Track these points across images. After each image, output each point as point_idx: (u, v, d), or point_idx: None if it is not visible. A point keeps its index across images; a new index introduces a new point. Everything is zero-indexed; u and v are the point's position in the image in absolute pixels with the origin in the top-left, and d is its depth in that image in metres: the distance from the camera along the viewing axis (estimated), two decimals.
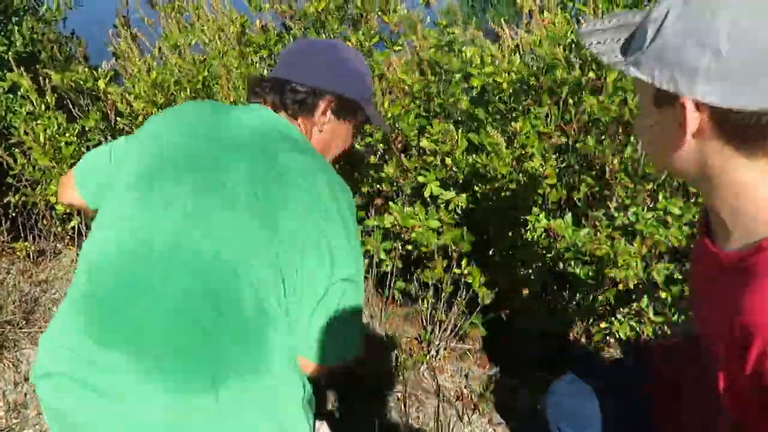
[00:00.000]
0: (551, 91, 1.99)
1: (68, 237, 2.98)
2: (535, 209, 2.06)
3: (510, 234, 2.19)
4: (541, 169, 1.96)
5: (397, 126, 1.94)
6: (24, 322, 2.40)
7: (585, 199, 2.15)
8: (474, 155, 1.98)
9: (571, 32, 2.17)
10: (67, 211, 2.79)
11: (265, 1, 2.13)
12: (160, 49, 2.29)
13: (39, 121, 2.47)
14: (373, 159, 2.09)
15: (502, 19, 2.41)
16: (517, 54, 2.04)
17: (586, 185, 2.13)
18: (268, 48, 2.14)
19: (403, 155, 2.00)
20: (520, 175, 2.01)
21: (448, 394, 2.20)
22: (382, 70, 2.14)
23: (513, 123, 1.90)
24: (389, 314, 2.53)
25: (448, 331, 2.31)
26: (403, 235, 2.01)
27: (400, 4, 2.28)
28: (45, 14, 3.14)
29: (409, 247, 2.13)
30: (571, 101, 2.03)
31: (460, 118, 2.11)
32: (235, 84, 2.05)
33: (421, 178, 2.05)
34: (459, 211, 2.09)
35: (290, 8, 1.90)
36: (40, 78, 2.61)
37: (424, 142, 1.89)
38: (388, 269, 2.33)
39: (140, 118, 2.23)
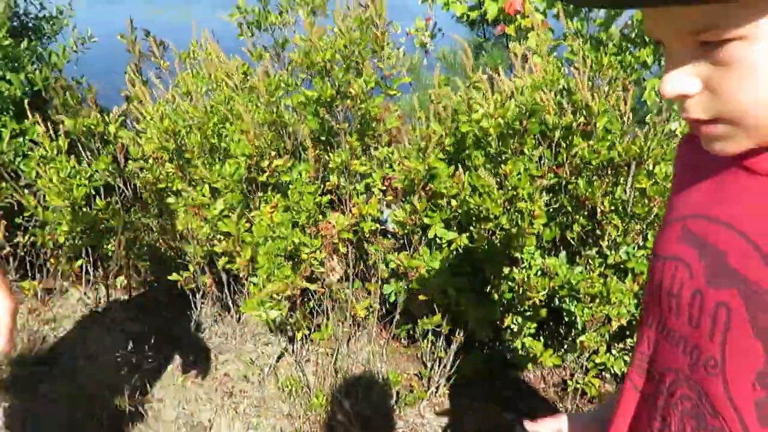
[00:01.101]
0: (543, 135, 2.10)
1: (75, 276, 3.04)
2: (529, 248, 2.14)
3: (506, 272, 2.26)
4: (531, 209, 2.04)
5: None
6: (34, 359, 2.45)
7: (578, 238, 2.23)
8: (467, 196, 2.06)
9: (563, 78, 2.29)
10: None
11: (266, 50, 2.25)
12: (173, 95, 2.40)
13: (51, 165, 2.56)
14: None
15: (498, 65, 2.54)
16: (512, 99, 2.15)
17: (578, 225, 2.21)
18: (271, 93, 2.25)
19: (415, 197, 2.09)
20: (513, 215, 2.09)
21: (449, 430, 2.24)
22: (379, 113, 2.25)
23: (503, 165, 1.99)
24: (391, 352, 2.58)
25: (448, 368, 2.36)
26: (408, 276, 2.09)
27: (394, 51, 2.40)
28: (51, 59, 3.27)
29: (415, 285, 2.20)
30: (563, 144, 2.13)
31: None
32: (244, 128, 2.15)
33: (427, 220, 2.14)
34: (460, 251, 2.16)
35: (304, 58, 2.01)
36: (50, 123, 2.72)
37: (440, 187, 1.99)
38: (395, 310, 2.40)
39: (150, 161, 2.33)
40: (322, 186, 2.36)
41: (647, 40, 3.17)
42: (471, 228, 2.14)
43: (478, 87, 2.29)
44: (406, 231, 2.34)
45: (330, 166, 2.31)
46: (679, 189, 0.69)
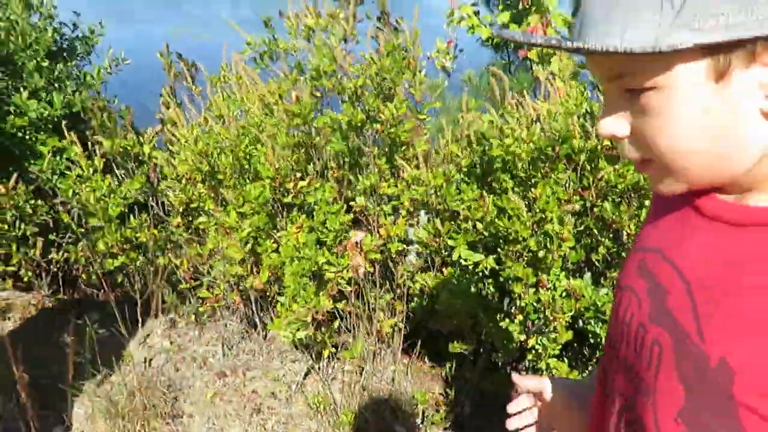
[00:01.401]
0: (569, 158, 2.12)
1: (106, 292, 3.11)
2: (555, 270, 2.16)
3: (531, 293, 2.28)
4: (559, 232, 2.07)
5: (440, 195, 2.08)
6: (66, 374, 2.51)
7: (603, 260, 2.25)
8: (496, 219, 2.10)
9: (586, 102, 2.32)
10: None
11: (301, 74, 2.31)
12: (205, 118, 2.47)
13: (87, 184, 2.64)
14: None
15: (524, 89, 2.58)
16: (538, 123, 2.18)
17: (604, 247, 2.23)
18: (302, 117, 2.31)
19: (437, 219, 2.12)
20: (541, 237, 2.12)
21: None
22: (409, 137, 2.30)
23: (533, 189, 2.03)
24: (416, 371, 2.60)
25: (473, 388, 2.38)
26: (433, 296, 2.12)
27: (420, 74, 2.45)
28: (86, 80, 3.37)
29: (440, 305, 2.23)
30: (588, 168, 2.16)
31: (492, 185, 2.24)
32: (267, 151, 2.20)
33: (451, 242, 2.17)
34: (486, 272, 2.19)
35: (336, 84, 2.06)
36: (89, 143, 2.81)
37: (457, 207, 2.02)
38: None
39: (183, 181, 2.39)
40: (345, 205, 2.40)
41: None
42: (498, 250, 2.17)
43: (510, 112, 2.33)
44: (429, 251, 2.38)
45: (357, 187, 2.35)
46: (648, 220, 0.71)
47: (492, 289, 2.39)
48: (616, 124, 0.57)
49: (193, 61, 3.50)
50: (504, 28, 3.41)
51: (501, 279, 2.33)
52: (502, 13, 4.20)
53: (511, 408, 0.91)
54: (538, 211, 2.08)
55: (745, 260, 0.53)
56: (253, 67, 2.63)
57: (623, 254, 2.21)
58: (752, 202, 0.55)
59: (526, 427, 0.91)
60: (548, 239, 2.09)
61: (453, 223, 2.24)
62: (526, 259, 2.22)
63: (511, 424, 0.91)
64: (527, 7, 4.05)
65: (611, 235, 2.24)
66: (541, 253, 2.10)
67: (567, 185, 2.14)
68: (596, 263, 2.27)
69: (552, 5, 4.01)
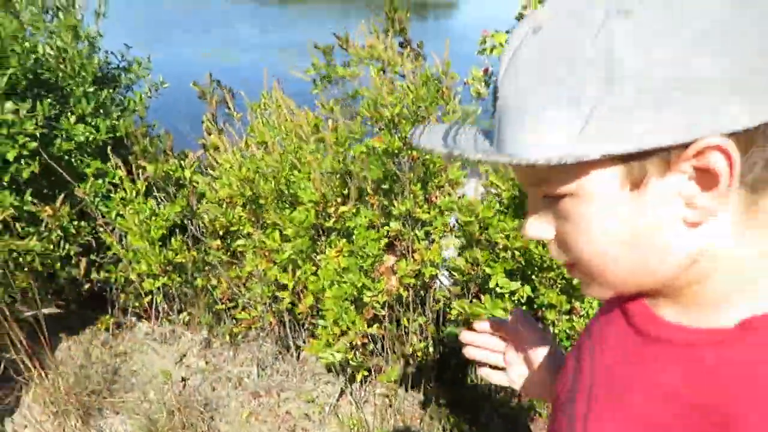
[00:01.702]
0: None
1: (143, 311, 3.19)
2: (589, 297, 2.18)
3: (565, 320, 2.31)
4: None
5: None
6: (107, 392, 2.58)
7: None
8: (533, 247, 2.13)
9: None
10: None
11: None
12: (246, 143, 2.55)
13: (131, 206, 2.73)
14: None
15: None
16: None
17: None
18: (340, 143, 2.38)
19: (475, 248, 2.16)
20: None
21: None
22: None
23: None
24: (448, 395, 2.62)
25: (502, 413, 2.39)
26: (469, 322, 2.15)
27: (453, 101, 2.51)
28: (129, 105, 3.49)
29: None
30: None
31: None
32: (313, 177, 2.27)
33: (488, 270, 2.21)
34: (522, 300, 2.22)
35: (373, 111, 2.13)
36: (128, 166, 2.90)
37: (498, 238, 2.06)
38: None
39: (225, 206, 2.46)
40: (381, 230, 2.46)
41: None
42: (533, 277, 2.20)
43: None
44: (464, 279, 2.42)
45: (393, 213, 2.40)
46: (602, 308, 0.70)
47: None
48: (540, 228, 0.57)
49: (230, 87, 3.61)
50: None
51: (535, 306, 2.36)
52: None
53: (465, 337, 0.89)
54: None
55: (639, 371, 0.54)
56: (311, 89, 2.70)
57: None
58: (666, 313, 0.54)
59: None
60: None
61: (491, 252, 2.28)
62: (560, 286, 2.25)
63: (469, 352, 0.89)
64: None
65: None
66: (575, 281, 2.13)
67: None
68: None
69: None
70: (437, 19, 36.35)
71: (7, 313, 2.87)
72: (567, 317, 2.28)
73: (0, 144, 2.61)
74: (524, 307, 2.36)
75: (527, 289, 2.16)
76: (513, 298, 2.18)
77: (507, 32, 4.63)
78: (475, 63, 4.81)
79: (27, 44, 2.74)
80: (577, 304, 2.27)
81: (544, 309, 2.28)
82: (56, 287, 2.97)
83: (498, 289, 2.22)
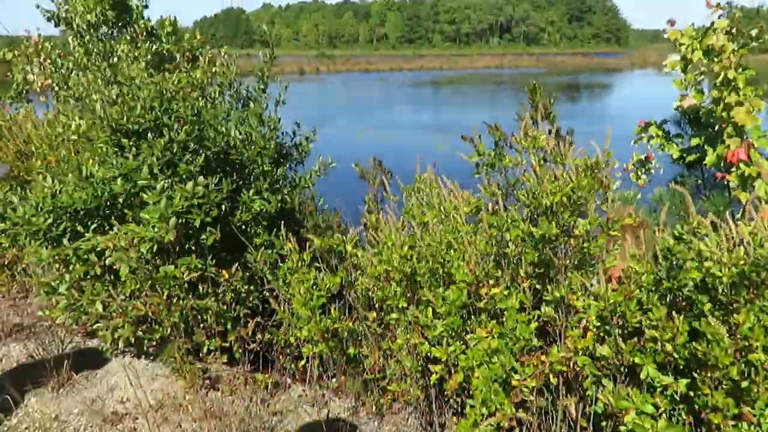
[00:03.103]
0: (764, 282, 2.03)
1: (299, 373, 3.40)
2: (761, 403, 2.02)
3: (732, 426, 2.14)
4: (766, 363, 1.95)
5: (620, 310, 2.09)
6: None
7: None
8: (694, 342, 2.04)
9: None
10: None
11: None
12: (402, 224, 2.72)
13: (296, 276, 2.98)
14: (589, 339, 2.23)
15: (719, 212, 2.52)
16: (741, 246, 2.13)
17: None
18: (497, 227, 2.46)
19: (619, 338, 2.12)
20: (744, 366, 2.01)
21: None
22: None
23: (735, 315, 1.96)
24: None
25: None
26: (616, 418, 2.07)
27: (611, 191, 2.51)
28: (301, 182, 3.86)
29: (623, 429, 2.16)
30: None
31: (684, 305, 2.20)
32: (467, 257, 2.36)
33: (637, 359, 2.14)
34: (677, 397, 2.11)
35: (532, 198, 2.21)
36: (294, 236, 3.19)
37: (646, 329, 2.01)
38: None
39: (382, 281, 2.62)
40: (532, 315, 2.47)
41: None
42: (694, 375, 2.09)
43: (698, 232, 2.30)
44: (610, 370, 2.34)
45: (546, 298, 2.42)
46: None
47: (684, 415, 2.27)
48: None
49: (389, 169, 3.87)
50: (697, 149, 3.37)
51: (696, 407, 2.21)
52: (694, 137, 4.17)
53: None
54: (740, 338, 2.00)
55: None
56: (473, 173, 2.85)
57: None
58: None
59: None
60: (753, 369, 1.98)
61: (637, 341, 2.20)
62: (726, 387, 2.11)
63: None
64: (724, 127, 3.96)
65: None
66: (744, 384, 1.99)
67: None
68: None
69: (751, 125, 3.89)
70: (591, 101, 35.88)
71: (182, 363, 3.21)
72: (734, 423, 2.11)
73: (192, 213, 3.01)
74: (681, 407, 2.22)
75: (682, 384, 2.05)
76: (666, 393, 2.08)
77: (663, 122, 4.55)
78: (633, 147, 4.74)
79: (223, 129, 3.16)
80: (746, 409, 2.10)
81: (707, 411, 2.14)
82: (226, 344, 3.27)
83: (649, 381, 2.13)
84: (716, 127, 4.11)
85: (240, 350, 3.29)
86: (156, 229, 2.98)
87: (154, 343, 3.31)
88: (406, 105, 33.64)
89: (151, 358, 3.53)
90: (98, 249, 3.10)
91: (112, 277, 3.27)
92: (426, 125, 23.67)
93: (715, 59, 4.08)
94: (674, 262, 2.18)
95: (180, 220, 3.03)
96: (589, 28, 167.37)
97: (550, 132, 3.73)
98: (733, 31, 4.05)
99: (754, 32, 4.02)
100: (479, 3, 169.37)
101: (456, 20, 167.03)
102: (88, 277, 3.23)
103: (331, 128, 21.31)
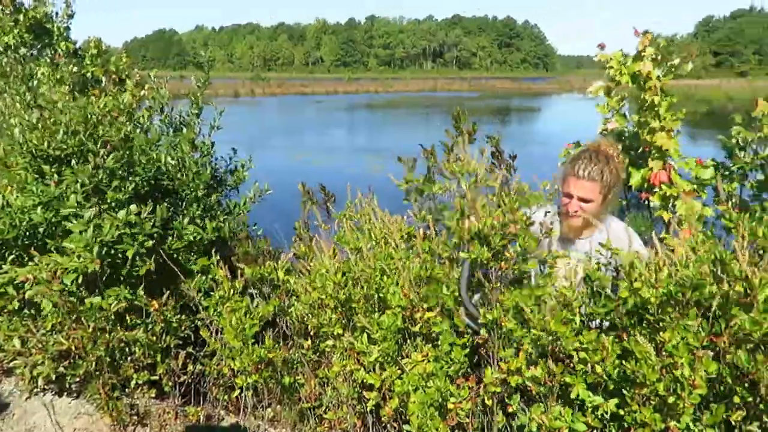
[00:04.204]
0: (698, 304, 2.12)
1: (232, 404, 3.30)
2: (686, 418, 2.09)
3: None
4: (689, 377, 2.03)
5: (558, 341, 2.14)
6: None
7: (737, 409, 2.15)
8: (624, 361, 2.10)
9: (717, 248, 2.33)
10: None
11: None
12: (334, 251, 2.70)
13: (228, 305, 2.90)
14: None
15: (642, 232, 2.63)
16: (666, 267, 2.21)
17: (738, 396, 2.15)
18: (431, 251, 2.48)
19: (550, 360, 2.16)
20: (670, 383, 2.08)
21: None
22: None
23: (661, 333, 2.03)
24: None
25: None
26: None
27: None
28: (235, 209, 3.78)
29: None
30: (720, 314, 2.13)
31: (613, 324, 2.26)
32: (401, 283, 2.36)
33: (568, 379, 2.18)
34: (606, 415, 2.16)
35: (458, 227, 2.24)
36: (227, 265, 3.11)
37: (574, 353, 2.05)
38: None
39: (316, 308, 2.59)
40: (466, 337, 2.49)
41: None
42: (623, 392, 2.15)
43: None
44: (542, 389, 2.38)
45: (480, 321, 2.44)
46: None
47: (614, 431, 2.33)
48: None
49: (324, 192, 3.84)
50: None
51: (626, 424, 2.27)
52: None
53: None
54: (666, 355, 2.07)
55: None
56: (404, 198, 2.86)
57: (761, 407, 2.11)
58: None
59: None
60: (679, 385, 2.06)
61: (567, 364, 2.25)
62: (653, 403, 2.18)
63: None
64: (647, 150, 4.17)
65: (746, 385, 2.15)
66: (671, 399, 2.06)
67: (697, 331, 2.12)
68: (733, 423, 2.18)
69: (673, 148, 4.11)
70: (521, 124, 37.02)
71: (108, 400, 3.06)
72: None
73: (123, 243, 2.89)
74: (612, 425, 2.28)
75: (611, 404, 2.10)
76: (596, 413, 2.13)
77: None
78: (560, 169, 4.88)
79: (154, 155, 3.07)
80: (672, 423, 2.17)
81: (636, 427, 2.20)
82: (155, 378, 3.14)
83: (579, 403, 2.18)
84: (639, 150, 4.31)
85: (170, 383, 3.16)
86: (81, 259, 2.84)
87: (78, 379, 3.14)
88: (342, 128, 33.80)
89: (75, 395, 3.35)
90: (16, 282, 2.93)
91: (32, 310, 3.10)
92: (362, 148, 23.83)
93: (642, 84, 4.30)
94: (600, 289, 2.26)
95: (109, 250, 2.91)
96: (518, 53, 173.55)
97: (494, 155, 3.77)
98: (659, 58, 4.29)
99: (677, 61, 4.27)
100: (412, 28, 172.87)
101: (390, 44, 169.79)
102: (5, 311, 3.05)
103: (267, 151, 21.12)
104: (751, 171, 4.17)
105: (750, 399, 2.16)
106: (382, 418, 2.66)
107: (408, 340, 2.56)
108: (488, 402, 2.46)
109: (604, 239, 2.51)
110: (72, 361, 3.06)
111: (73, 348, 2.95)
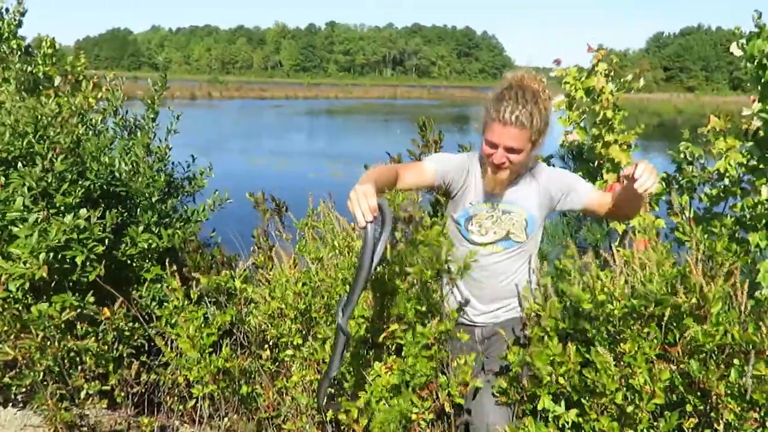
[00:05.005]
0: (654, 315, 2.17)
1: (188, 414, 3.21)
2: (642, 427, 2.13)
3: None
4: (647, 387, 2.07)
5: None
6: None
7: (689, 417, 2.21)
8: (582, 370, 2.12)
9: (672, 261, 2.38)
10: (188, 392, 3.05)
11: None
12: (294, 261, 2.66)
13: (183, 315, 2.82)
14: None
15: (597, 241, 2.68)
16: (623, 277, 2.26)
17: (691, 405, 2.20)
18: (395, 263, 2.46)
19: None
20: (628, 391, 2.12)
21: None
22: None
23: (622, 344, 2.07)
24: None
25: None
26: None
27: None
28: (193, 216, 3.69)
29: None
30: (674, 323, 2.18)
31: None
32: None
33: (537, 390, 2.20)
34: (567, 425, 2.18)
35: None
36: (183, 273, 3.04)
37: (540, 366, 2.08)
38: None
39: (276, 317, 2.55)
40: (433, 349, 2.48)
41: (758, 225, 3.26)
42: (582, 401, 2.17)
43: (583, 269, 2.42)
44: (509, 401, 2.39)
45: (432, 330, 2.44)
46: None
47: None
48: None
49: (282, 201, 3.79)
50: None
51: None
52: (576, 171, 4.46)
53: None
54: (624, 365, 2.10)
55: None
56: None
57: (712, 414, 2.17)
58: None
59: None
60: (636, 394, 2.09)
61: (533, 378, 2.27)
62: (611, 412, 2.21)
63: None
64: (602, 163, 4.26)
65: (699, 393, 2.21)
66: (629, 408, 2.10)
67: (653, 341, 2.16)
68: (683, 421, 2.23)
69: (625, 161, 4.22)
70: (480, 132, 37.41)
71: (56, 411, 2.93)
72: None
73: (72, 248, 2.79)
74: None
75: (572, 414, 2.13)
76: (558, 423, 2.15)
77: (549, 157, 4.83)
78: None
79: (107, 159, 2.98)
80: (629, 431, 2.21)
81: None
82: (107, 388, 3.03)
83: (543, 414, 2.20)
84: (595, 163, 4.41)
85: (123, 393, 3.06)
86: (27, 265, 2.73)
87: (24, 389, 3.01)
88: (302, 133, 33.60)
89: (20, 406, 3.21)
90: None
91: None
92: (322, 153, 23.72)
93: (596, 98, 4.41)
94: (568, 303, 2.28)
95: (57, 255, 2.80)
96: (476, 63, 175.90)
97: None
98: (611, 74, 4.41)
99: (629, 76, 4.40)
100: (373, 35, 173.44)
101: (350, 51, 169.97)
102: None
103: (225, 154, 20.83)
104: (699, 184, 4.30)
105: (701, 407, 2.22)
106: (342, 428, 2.63)
107: (371, 351, 2.54)
108: (449, 410, 2.46)
109: (536, 185, 2.44)
110: (18, 371, 2.93)
111: (19, 357, 2.83)
